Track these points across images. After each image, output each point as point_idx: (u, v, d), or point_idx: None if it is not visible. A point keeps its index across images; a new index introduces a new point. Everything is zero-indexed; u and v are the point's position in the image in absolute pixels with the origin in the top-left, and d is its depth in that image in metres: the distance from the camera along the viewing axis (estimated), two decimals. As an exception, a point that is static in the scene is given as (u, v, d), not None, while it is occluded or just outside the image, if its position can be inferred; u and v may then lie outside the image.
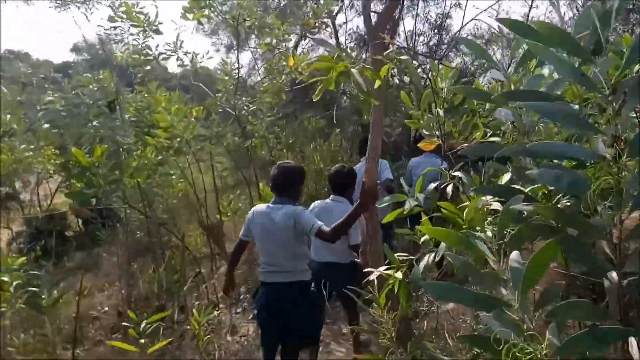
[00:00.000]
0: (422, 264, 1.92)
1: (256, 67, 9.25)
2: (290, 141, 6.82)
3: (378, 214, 3.16)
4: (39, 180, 11.58)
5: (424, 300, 3.60)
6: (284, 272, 3.45)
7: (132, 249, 7.90)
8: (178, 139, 5.38)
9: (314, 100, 2.53)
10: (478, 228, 1.74)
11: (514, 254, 1.24)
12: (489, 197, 1.75)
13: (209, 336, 5.23)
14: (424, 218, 1.91)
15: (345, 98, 10.28)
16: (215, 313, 6.35)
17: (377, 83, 2.43)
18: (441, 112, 4.26)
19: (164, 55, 5.91)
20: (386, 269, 2.10)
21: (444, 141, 4.21)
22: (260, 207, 3.60)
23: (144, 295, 7.38)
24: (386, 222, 2.63)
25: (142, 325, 3.00)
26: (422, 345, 2.05)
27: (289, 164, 3.68)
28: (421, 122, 4.14)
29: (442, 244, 1.81)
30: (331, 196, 4.39)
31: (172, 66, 13.71)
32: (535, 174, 1.34)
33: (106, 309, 7.47)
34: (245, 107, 6.21)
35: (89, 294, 8.04)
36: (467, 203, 1.85)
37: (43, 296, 4.53)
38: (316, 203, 4.43)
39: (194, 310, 3.80)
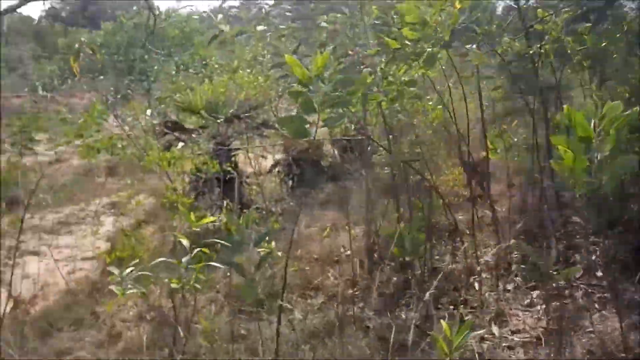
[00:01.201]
0: None
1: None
2: (602, 44, 4.36)
3: None
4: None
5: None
6: None
7: (376, 188, 6.73)
8: (432, 42, 3.60)
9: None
10: None
11: None
12: None
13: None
14: None
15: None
16: (476, 286, 4.72)
17: None
18: None
19: None
20: None
21: None
22: None
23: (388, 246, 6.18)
24: None
25: None
26: None
27: None
28: None
29: None
30: None
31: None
32: None
33: (349, 252, 6.57)
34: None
35: (332, 233, 7.26)
36: None
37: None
38: None
39: (442, 321, 2.14)
